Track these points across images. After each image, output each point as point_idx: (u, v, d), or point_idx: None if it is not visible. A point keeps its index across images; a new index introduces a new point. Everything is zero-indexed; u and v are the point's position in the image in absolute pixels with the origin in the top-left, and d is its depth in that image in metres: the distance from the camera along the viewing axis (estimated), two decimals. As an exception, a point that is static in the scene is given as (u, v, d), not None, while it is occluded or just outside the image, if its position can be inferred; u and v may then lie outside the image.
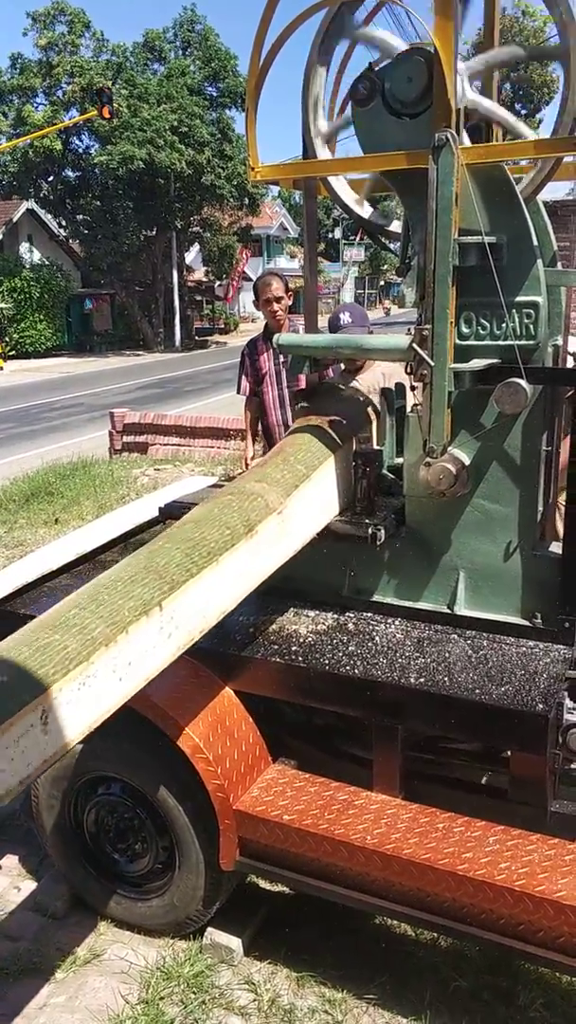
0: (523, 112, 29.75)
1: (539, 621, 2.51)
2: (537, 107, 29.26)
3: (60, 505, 8.07)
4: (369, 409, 2.93)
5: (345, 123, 2.53)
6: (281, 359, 4.63)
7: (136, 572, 2.08)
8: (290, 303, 4.70)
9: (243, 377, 4.91)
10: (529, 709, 2.21)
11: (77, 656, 1.79)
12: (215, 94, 29.45)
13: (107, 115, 19.25)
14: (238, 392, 5.01)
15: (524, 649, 2.47)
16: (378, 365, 3.94)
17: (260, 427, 4.97)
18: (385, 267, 50.96)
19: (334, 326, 3.73)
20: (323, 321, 3.90)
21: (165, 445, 10.49)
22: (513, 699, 2.25)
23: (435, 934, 2.67)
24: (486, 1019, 2.44)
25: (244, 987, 2.59)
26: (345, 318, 3.74)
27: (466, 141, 2.37)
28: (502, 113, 2.48)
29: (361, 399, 2.97)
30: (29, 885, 3.05)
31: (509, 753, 2.47)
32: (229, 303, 39.35)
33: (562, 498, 2.48)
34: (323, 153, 2.56)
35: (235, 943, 2.69)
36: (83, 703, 1.79)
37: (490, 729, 2.32)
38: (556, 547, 2.54)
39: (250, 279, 27.08)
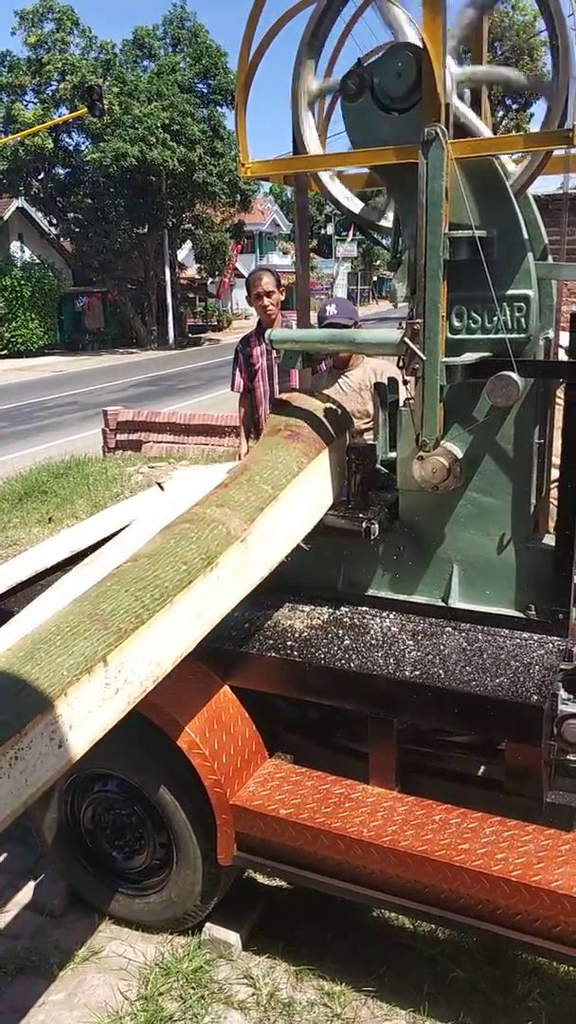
0: (514, 107, 29.74)
1: (533, 613, 2.52)
2: (528, 102, 29.24)
3: (54, 504, 8.06)
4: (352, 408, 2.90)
5: (333, 84, 2.51)
6: (274, 354, 4.66)
7: (79, 622, 1.93)
8: (282, 298, 4.71)
9: (237, 373, 4.93)
10: (524, 700, 2.22)
11: (8, 728, 1.67)
12: (206, 91, 29.36)
13: (97, 113, 19.20)
14: (232, 389, 5.03)
15: (518, 641, 2.48)
16: (368, 362, 3.96)
17: (251, 424, 4.99)
18: (378, 262, 50.96)
19: (320, 318, 3.78)
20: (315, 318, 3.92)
21: (159, 443, 10.48)
22: (508, 691, 2.26)
23: (433, 926, 2.68)
24: (484, 1010, 2.45)
25: (243, 981, 2.60)
26: (331, 310, 3.82)
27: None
28: (479, 124, 2.48)
29: (336, 405, 2.92)
30: (27, 883, 3.06)
31: (505, 745, 2.48)
32: (221, 300, 39.29)
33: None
34: (312, 138, 2.55)
35: (233, 938, 2.69)
36: (15, 778, 1.68)
37: (485, 721, 2.33)
38: (549, 539, 2.55)
39: (242, 275, 27.02)
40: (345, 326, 3.62)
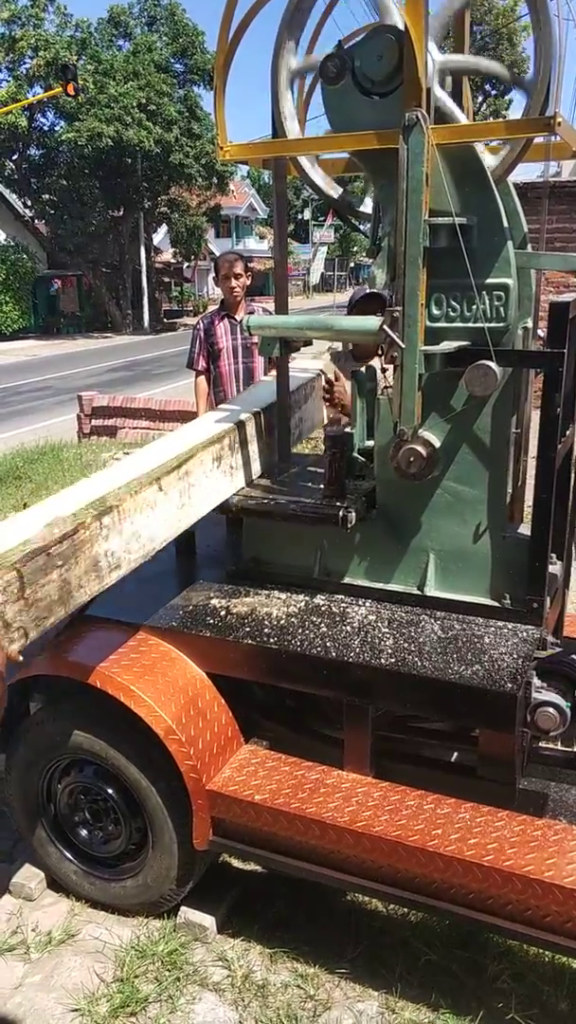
0: (493, 93, 29.74)
1: (508, 602, 2.54)
2: (506, 88, 29.22)
3: (28, 490, 7.98)
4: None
5: (313, 64, 2.48)
6: (243, 335, 4.76)
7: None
8: (248, 283, 4.90)
9: (198, 352, 5.04)
10: (498, 688, 2.24)
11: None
12: (183, 70, 29.01)
13: (71, 91, 18.86)
14: (189, 366, 5.12)
15: (493, 629, 2.50)
16: None
17: (215, 401, 5.03)
18: (355, 249, 50.80)
19: (352, 301, 3.74)
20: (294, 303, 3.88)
21: (134, 428, 10.40)
22: (483, 679, 2.28)
23: (406, 909, 2.71)
24: (455, 992, 2.48)
25: (218, 964, 2.61)
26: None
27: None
28: (459, 115, 2.47)
29: None
30: (3, 868, 3.05)
31: (479, 732, 2.50)
32: (195, 284, 38.97)
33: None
34: (292, 124, 2.52)
35: (209, 921, 2.71)
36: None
37: (460, 708, 2.35)
38: (525, 529, 2.57)
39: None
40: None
